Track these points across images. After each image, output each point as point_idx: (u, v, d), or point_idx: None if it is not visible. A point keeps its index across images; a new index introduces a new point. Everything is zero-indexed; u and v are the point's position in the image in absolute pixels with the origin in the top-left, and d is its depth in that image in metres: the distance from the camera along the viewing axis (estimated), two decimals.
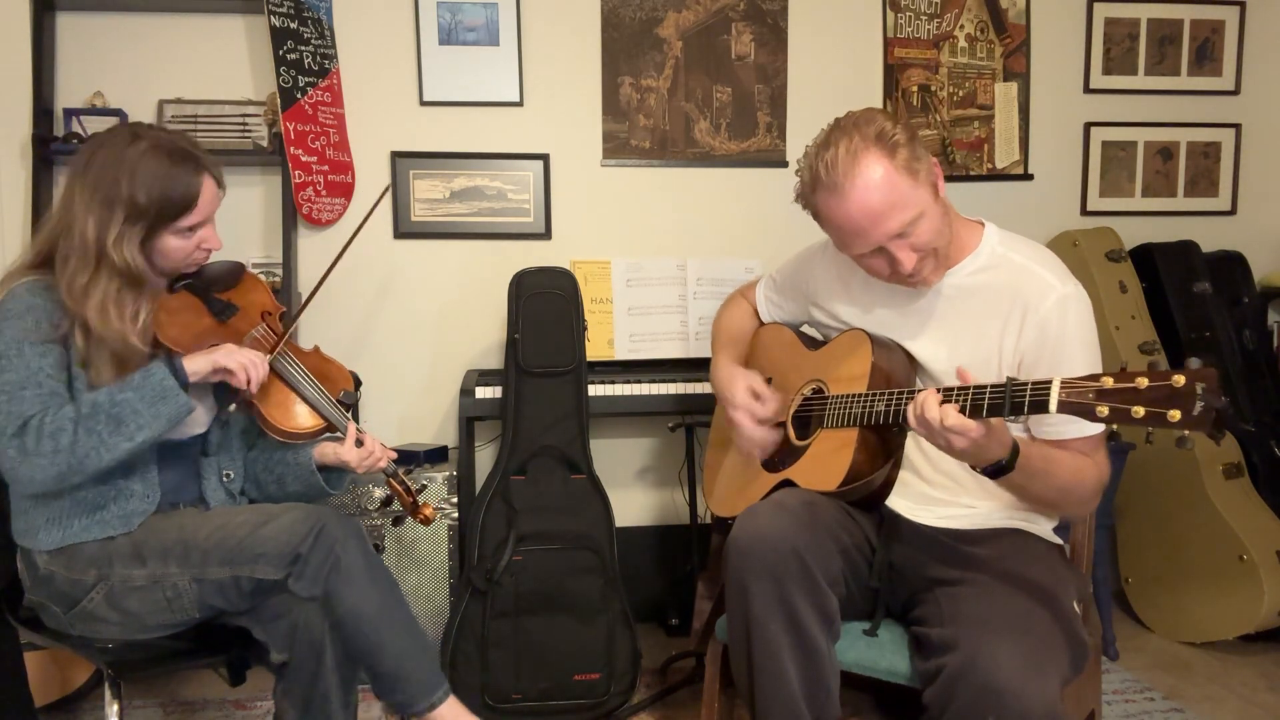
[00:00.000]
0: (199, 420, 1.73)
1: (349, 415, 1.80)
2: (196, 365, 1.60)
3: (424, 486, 1.87)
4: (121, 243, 1.60)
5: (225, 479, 1.78)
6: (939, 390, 1.40)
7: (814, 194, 1.59)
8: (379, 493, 2.48)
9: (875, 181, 1.52)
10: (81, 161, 1.65)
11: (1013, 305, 1.58)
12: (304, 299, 1.83)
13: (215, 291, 1.77)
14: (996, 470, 1.40)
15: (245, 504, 1.82)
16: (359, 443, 1.78)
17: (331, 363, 1.86)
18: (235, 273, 1.81)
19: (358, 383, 1.82)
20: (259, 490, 1.85)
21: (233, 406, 1.69)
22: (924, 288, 1.65)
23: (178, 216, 1.64)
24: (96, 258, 1.60)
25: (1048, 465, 1.47)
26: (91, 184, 1.61)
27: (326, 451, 1.81)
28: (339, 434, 1.78)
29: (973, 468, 1.43)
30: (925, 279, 1.63)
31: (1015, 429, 1.57)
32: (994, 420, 1.35)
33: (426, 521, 1.85)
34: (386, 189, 1.85)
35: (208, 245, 1.71)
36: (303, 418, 1.75)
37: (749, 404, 1.79)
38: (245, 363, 1.62)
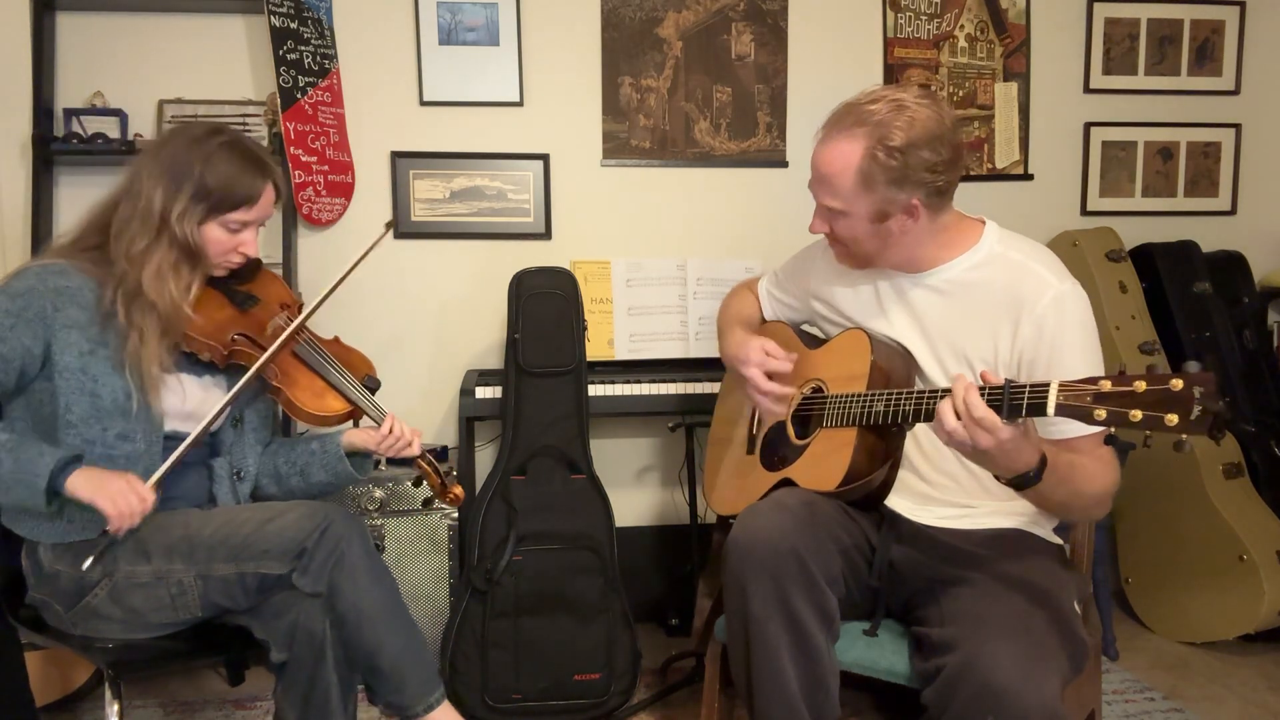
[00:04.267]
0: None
1: (374, 399, 1.83)
2: (78, 484, 1.53)
3: (451, 469, 1.91)
4: (184, 218, 1.65)
5: (236, 478, 1.79)
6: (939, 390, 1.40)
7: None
8: (379, 493, 2.48)
9: (835, 158, 1.57)
10: (159, 141, 1.73)
11: (1009, 303, 1.58)
12: (324, 293, 1.84)
13: (235, 284, 1.80)
14: (1024, 482, 1.35)
15: (249, 505, 1.83)
16: (389, 427, 1.80)
17: (353, 351, 1.90)
18: (253, 267, 1.83)
19: (376, 383, 1.86)
20: (278, 485, 1.86)
21: (86, 565, 1.57)
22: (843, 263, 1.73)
23: (235, 208, 1.68)
24: (158, 226, 1.64)
25: (1071, 471, 1.42)
26: (166, 161, 1.67)
27: (354, 438, 1.84)
28: (366, 418, 1.81)
29: (998, 479, 1.38)
30: (837, 254, 1.72)
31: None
32: (1027, 427, 1.31)
33: (456, 501, 1.88)
34: (389, 227, 1.89)
35: (245, 250, 1.73)
36: (331, 401, 1.78)
37: (762, 359, 1.77)
38: (124, 510, 1.52)
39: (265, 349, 1.71)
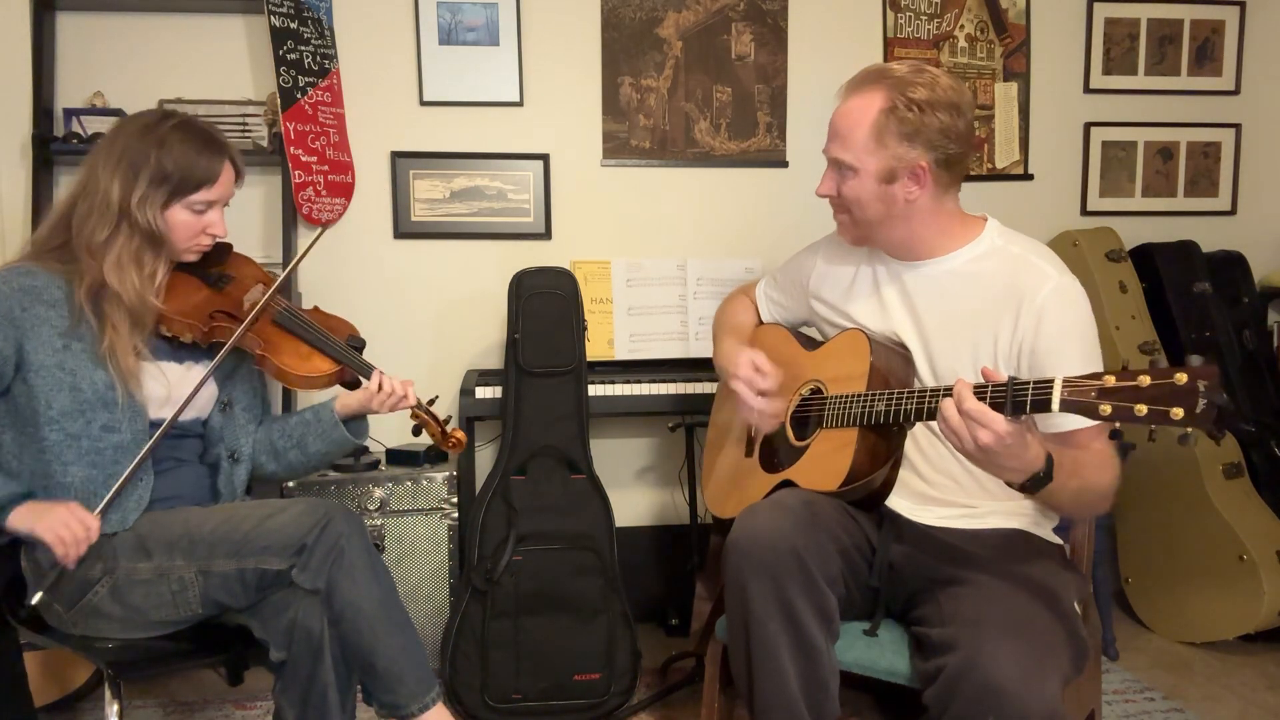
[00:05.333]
0: (201, 404, 1.74)
1: (361, 357, 1.83)
2: (17, 520, 1.54)
3: (449, 417, 1.91)
4: (145, 204, 1.65)
5: (231, 459, 1.80)
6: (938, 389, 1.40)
7: None
8: (379, 493, 2.48)
9: (853, 109, 1.61)
10: (110, 134, 1.71)
11: (1009, 295, 1.59)
12: (300, 254, 1.89)
13: (208, 267, 1.81)
14: (1036, 484, 1.34)
15: (250, 500, 1.83)
16: (378, 383, 1.81)
17: (333, 316, 1.91)
18: (223, 249, 1.84)
19: (361, 342, 1.87)
20: (276, 460, 1.87)
21: (35, 599, 1.57)
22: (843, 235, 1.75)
23: (197, 189, 1.68)
24: (118, 216, 1.65)
25: (1076, 467, 1.42)
26: (120, 151, 1.66)
27: (349, 401, 1.85)
28: (356, 379, 1.82)
29: (1010, 484, 1.36)
30: (840, 222, 1.72)
31: None
32: (1030, 426, 1.29)
33: (458, 447, 1.89)
34: (320, 232, 1.92)
35: (213, 230, 1.74)
36: (318, 362, 1.79)
37: (750, 376, 1.78)
38: (66, 538, 1.51)
39: None
